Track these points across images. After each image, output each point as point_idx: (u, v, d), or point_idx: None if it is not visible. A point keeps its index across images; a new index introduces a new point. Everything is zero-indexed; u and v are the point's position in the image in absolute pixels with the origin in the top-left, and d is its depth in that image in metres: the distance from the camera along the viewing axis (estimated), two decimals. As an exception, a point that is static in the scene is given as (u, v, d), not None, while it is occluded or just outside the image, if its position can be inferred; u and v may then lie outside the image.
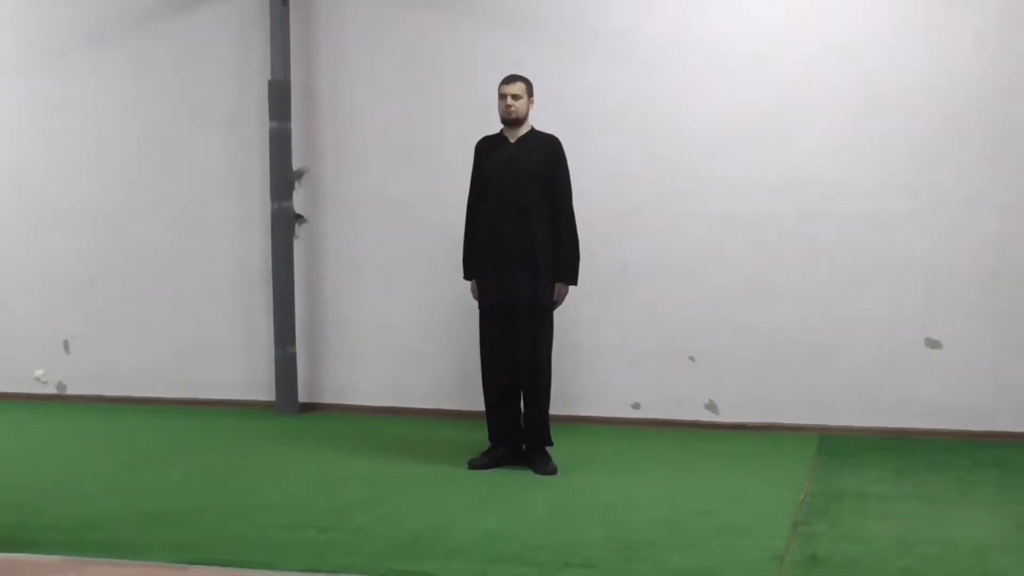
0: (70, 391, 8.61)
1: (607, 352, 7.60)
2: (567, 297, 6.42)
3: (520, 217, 6.25)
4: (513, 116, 6.31)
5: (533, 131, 6.39)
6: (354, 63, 7.95)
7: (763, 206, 7.29)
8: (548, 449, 6.42)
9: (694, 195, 7.40)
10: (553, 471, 6.25)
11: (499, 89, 6.35)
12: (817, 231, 7.23)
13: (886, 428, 7.16)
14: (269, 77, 7.93)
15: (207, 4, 8.18)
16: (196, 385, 8.35)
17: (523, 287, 6.25)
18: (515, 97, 6.29)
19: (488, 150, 6.45)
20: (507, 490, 5.94)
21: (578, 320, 7.59)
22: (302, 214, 8.08)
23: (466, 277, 6.55)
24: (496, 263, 6.30)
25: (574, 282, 6.40)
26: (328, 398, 8.19)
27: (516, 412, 6.43)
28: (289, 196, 8.02)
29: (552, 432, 6.45)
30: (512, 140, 6.36)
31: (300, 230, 8.10)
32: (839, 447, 6.86)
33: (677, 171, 7.42)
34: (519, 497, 5.81)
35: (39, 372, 8.64)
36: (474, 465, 6.39)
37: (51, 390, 8.64)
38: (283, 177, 7.98)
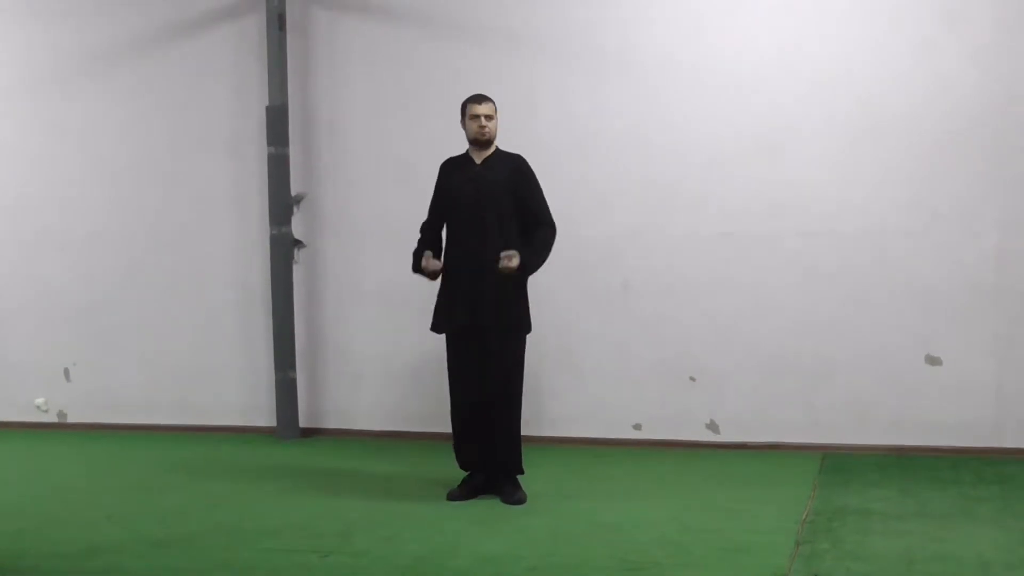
0: (71, 419, 8.59)
1: (608, 372, 7.59)
2: (514, 262, 5.95)
3: (488, 237, 6.09)
4: (487, 137, 6.17)
5: (498, 150, 6.27)
6: (352, 87, 7.97)
7: (762, 225, 7.30)
8: (519, 477, 6.24)
9: (694, 214, 7.41)
10: (521, 500, 6.06)
11: (470, 109, 6.17)
12: (816, 249, 7.24)
13: (888, 445, 7.15)
14: (267, 102, 7.96)
15: (204, 30, 8.21)
16: (197, 411, 8.34)
17: (491, 307, 6.06)
18: (488, 117, 6.16)
19: (453, 171, 6.31)
20: (508, 513, 5.92)
21: (579, 340, 7.61)
22: (301, 239, 8.10)
23: (415, 269, 6.29)
24: (463, 285, 6.11)
25: (525, 270, 6.07)
26: (329, 423, 8.18)
27: (487, 442, 6.17)
28: (288, 221, 8.04)
29: (523, 460, 6.24)
30: (478, 161, 6.22)
31: (299, 255, 8.11)
32: (841, 465, 6.84)
33: (677, 190, 7.43)
34: (521, 519, 5.79)
35: (40, 400, 8.63)
36: (452, 496, 6.21)
37: (52, 418, 8.63)
38: (282, 202, 7.99)
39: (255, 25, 8.06)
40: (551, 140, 7.53)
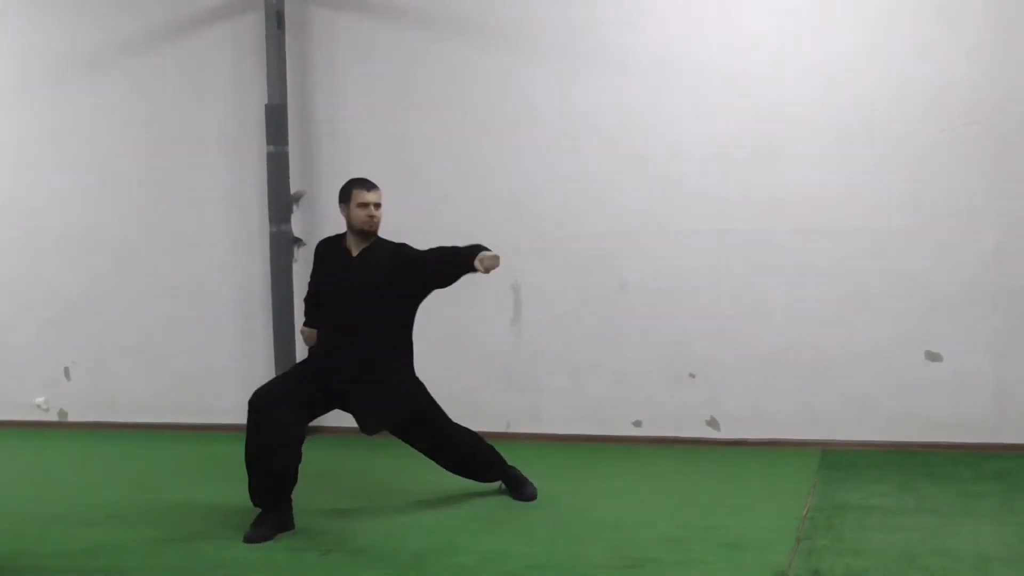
0: (71, 418, 8.60)
1: (607, 370, 7.59)
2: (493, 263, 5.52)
3: (354, 341, 5.71)
4: (375, 227, 5.74)
5: (379, 240, 5.82)
6: (350, 86, 7.98)
7: (761, 223, 7.30)
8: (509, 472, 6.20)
9: (691, 213, 7.41)
10: (532, 495, 6.09)
11: (358, 196, 5.69)
12: (815, 247, 7.24)
13: (888, 442, 7.15)
14: (266, 101, 7.96)
15: (203, 29, 8.22)
16: (197, 410, 8.35)
17: (373, 413, 5.83)
18: (377, 206, 5.71)
19: (327, 257, 5.92)
20: (508, 510, 5.93)
21: (577, 338, 7.61)
22: (301, 237, 8.10)
23: (307, 323, 6.13)
24: (326, 380, 5.76)
25: (473, 254, 5.56)
26: (328, 421, 8.10)
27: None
28: (287, 219, 8.04)
29: (513, 459, 6.26)
30: (355, 252, 5.79)
31: (299, 253, 8.12)
32: (841, 462, 6.84)
33: (674, 189, 7.43)
34: (520, 517, 5.80)
35: (40, 399, 8.64)
36: (248, 538, 5.42)
37: (52, 417, 8.63)
38: (281, 201, 8.00)
39: (254, 24, 8.06)
40: (549, 138, 7.53)
